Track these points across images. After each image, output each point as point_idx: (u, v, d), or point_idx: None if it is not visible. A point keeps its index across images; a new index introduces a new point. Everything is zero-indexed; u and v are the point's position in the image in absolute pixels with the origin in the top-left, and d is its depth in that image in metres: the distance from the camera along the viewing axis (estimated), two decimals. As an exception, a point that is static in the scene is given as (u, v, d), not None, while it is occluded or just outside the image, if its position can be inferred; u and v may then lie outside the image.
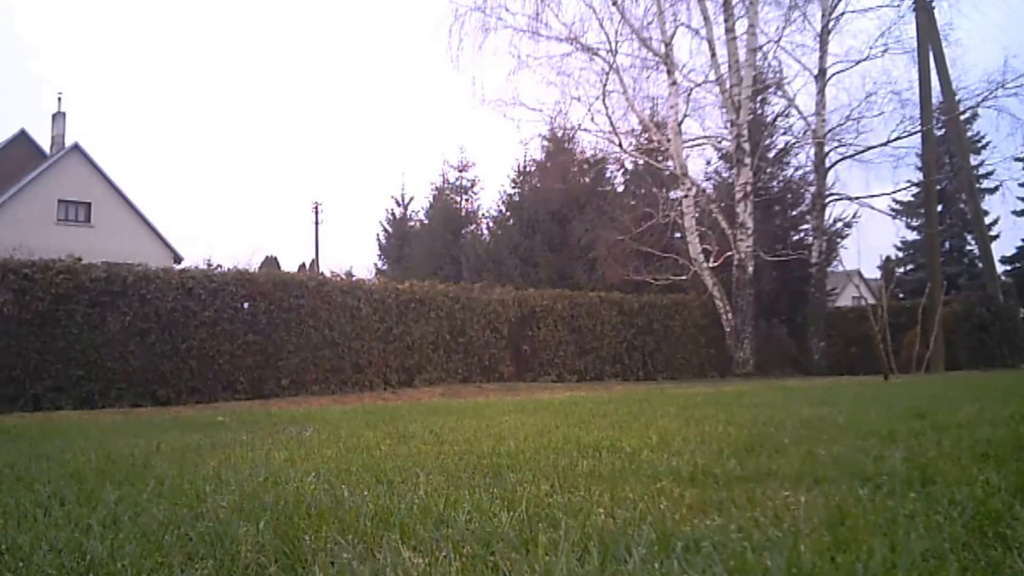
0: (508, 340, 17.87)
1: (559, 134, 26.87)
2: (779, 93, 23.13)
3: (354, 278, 17.07)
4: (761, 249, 20.19)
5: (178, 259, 47.27)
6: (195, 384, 14.45)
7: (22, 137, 47.66)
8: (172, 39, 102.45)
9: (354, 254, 54.69)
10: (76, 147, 45.04)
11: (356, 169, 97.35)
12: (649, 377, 19.29)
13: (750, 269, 19.73)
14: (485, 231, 34.41)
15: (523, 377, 17.93)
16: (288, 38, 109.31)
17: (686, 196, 20.13)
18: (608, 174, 24.39)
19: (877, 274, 39.44)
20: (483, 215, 35.25)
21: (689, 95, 21.56)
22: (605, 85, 20.97)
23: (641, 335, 19.51)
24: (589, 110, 22.59)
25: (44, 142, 47.87)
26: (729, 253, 19.96)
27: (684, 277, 20.58)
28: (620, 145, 21.61)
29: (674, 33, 20.29)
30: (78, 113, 71.07)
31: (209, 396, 14.52)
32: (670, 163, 21.27)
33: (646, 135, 22.00)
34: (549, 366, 18.24)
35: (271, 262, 53.17)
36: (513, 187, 31.08)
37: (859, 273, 45.77)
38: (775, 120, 23.86)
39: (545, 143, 28.30)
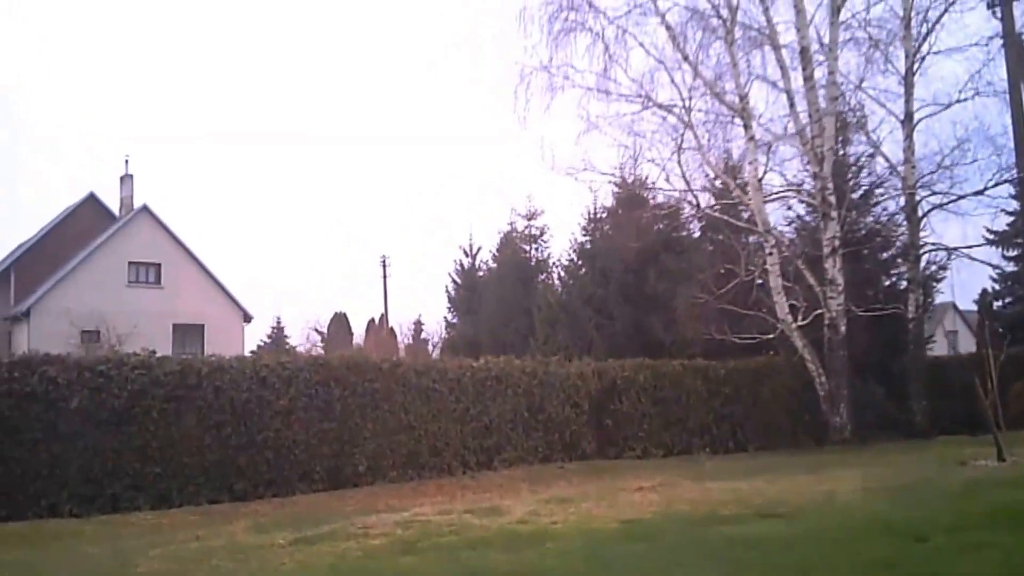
0: (589, 415, 17.26)
1: (630, 180, 26.33)
2: (864, 139, 22.29)
3: (430, 359, 16.56)
4: (851, 300, 19.29)
5: (248, 317, 47.62)
6: (271, 476, 14.09)
7: (91, 200, 48.40)
8: (236, 96, 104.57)
9: (423, 305, 54.62)
10: (145, 208, 45.58)
11: (424, 219, 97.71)
12: (740, 448, 18.47)
13: (842, 328, 18.87)
14: (556, 281, 33.92)
15: (606, 453, 17.29)
16: (354, 91, 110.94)
17: (770, 254, 19.37)
18: (684, 217, 23.64)
19: (972, 305, 37.67)
20: (554, 264, 34.74)
21: (769, 149, 20.93)
22: (680, 143, 20.40)
23: (729, 403, 18.69)
24: (663, 169, 22.10)
25: (113, 204, 48.47)
26: (819, 311, 19.11)
27: (771, 335, 19.76)
28: (697, 205, 20.95)
29: (749, 86, 19.66)
30: (145, 174, 72.23)
31: (286, 488, 14.12)
32: (747, 213, 20.61)
33: (722, 185, 21.33)
34: (633, 440, 17.56)
35: (340, 318, 53.31)
36: (584, 235, 30.53)
37: (954, 306, 43.82)
38: (859, 161, 22.96)
39: (616, 190, 27.75)
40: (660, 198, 24.88)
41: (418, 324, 58.05)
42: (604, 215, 29.20)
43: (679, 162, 21.13)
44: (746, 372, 19.17)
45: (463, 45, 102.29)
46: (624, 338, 25.35)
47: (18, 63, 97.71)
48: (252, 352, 53.19)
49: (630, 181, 26.12)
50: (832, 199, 19.21)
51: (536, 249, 35.92)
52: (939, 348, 28.57)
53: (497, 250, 40.23)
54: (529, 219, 35.30)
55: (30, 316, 41.39)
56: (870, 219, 23.06)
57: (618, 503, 10.59)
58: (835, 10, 19.15)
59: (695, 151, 20.78)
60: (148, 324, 40.91)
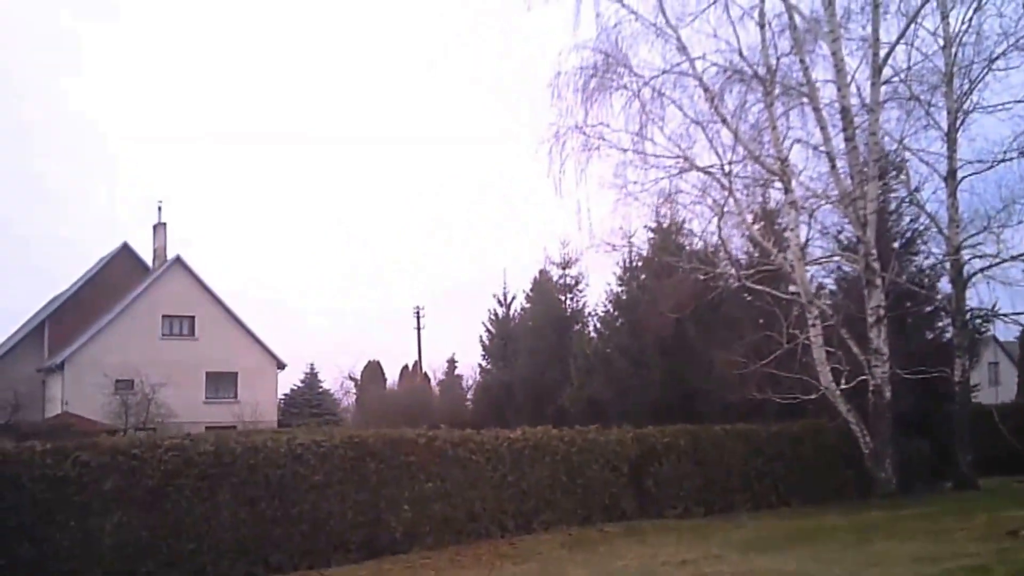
0: (629, 478, 16.95)
1: (665, 224, 26.06)
2: (908, 201, 21.88)
3: (465, 432, 16.24)
4: (895, 360, 18.90)
5: (281, 365, 47.85)
6: (307, 547, 13.87)
7: (124, 251, 49.07)
8: (261, 144, 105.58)
9: (457, 351, 54.92)
10: (178, 260, 46.25)
11: (457, 268, 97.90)
12: (782, 503, 18.07)
13: (887, 394, 18.44)
14: (592, 331, 33.67)
15: (647, 512, 16.92)
16: (381, 142, 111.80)
17: (813, 325, 19.01)
18: (724, 281, 23.21)
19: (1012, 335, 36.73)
20: (589, 314, 34.43)
21: (811, 216, 20.63)
22: (723, 208, 20.13)
23: (771, 462, 18.34)
24: (701, 236, 21.88)
25: (146, 253, 48.98)
26: (863, 377, 18.72)
27: (813, 396, 19.37)
28: (738, 277, 20.62)
29: (790, 149, 19.41)
30: (177, 222, 72.85)
31: (321, 558, 13.90)
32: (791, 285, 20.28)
33: (761, 252, 21.00)
34: (674, 500, 17.21)
35: (374, 366, 53.49)
36: (620, 285, 30.27)
37: (994, 338, 42.98)
38: (899, 208, 22.58)
39: (651, 235, 27.48)
40: (698, 244, 24.66)
41: (452, 363, 57.96)
42: (639, 263, 28.94)
43: (719, 227, 20.89)
44: (789, 435, 18.85)
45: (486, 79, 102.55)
46: (660, 389, 25.05)
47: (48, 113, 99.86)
48: (286, 395, 53.47)
49: (666, 225, 25.99)
50: (876, 265, 18.82)
51: (571, 299, 35.51)
52: (978, 376, 27.80)
53: (530, 298, 40.17)
54: (564, 268, 34.71)
55: (64, 368, 41.83)
56: (912, 270, 22.66)
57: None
58: (877, 70, 18.81)
59: (734, 215, 20.52)
60: (181, 374, 41.39)
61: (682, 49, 19.25)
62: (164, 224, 47.70)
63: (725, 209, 20.37)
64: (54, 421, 36.52)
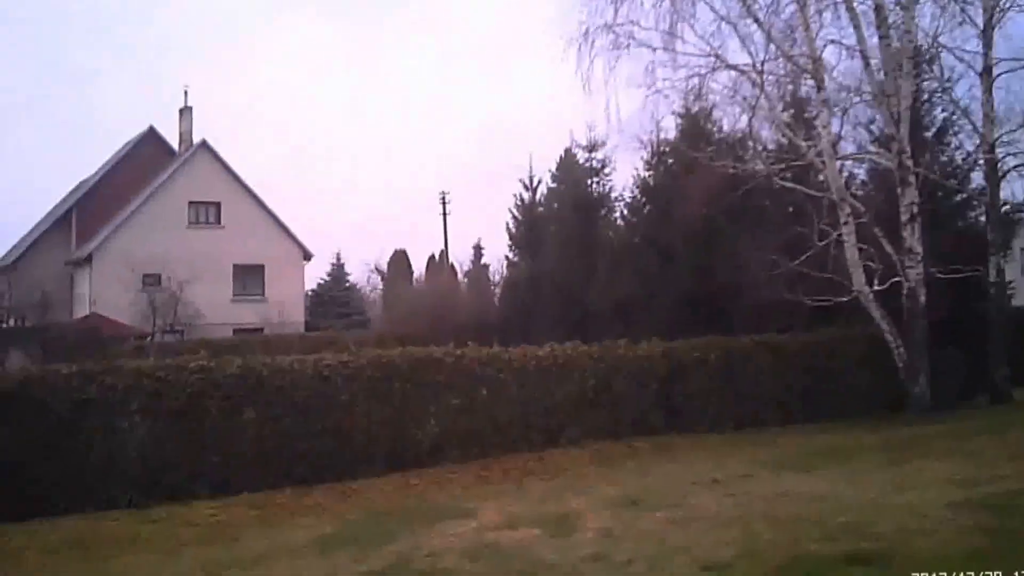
0: (657, 394, 16.76)
1: (694, 110, 25.36)
2: (941, 92, 21.20)
3: (493, 350, 16.04)
4: (928, 263, 18.44)
5: (307, 256, 47.66)
6: (331, 460, 13.89)
7: (150, 135, 48.47)
8: (293, 32, 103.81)
9: (484, 236, 54.52)
10: (204, 144, 45.59)
11: (483, 152, 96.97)
12: (813, 418, 17.76)
13: (922, 298, 18.00)
14: (619, 218, 33.08)
15: (675, 427, 16.75)
16: (411, 28, 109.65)
17: (846, 223, 18.52)
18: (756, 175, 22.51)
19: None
20: (616, 199, 33.55)
21: (844, 114, 19.97)
22: (755, 106, 19.50)
23: (801, 376, 18.01)
24: (731, 130, 21.27)
25: (172, 137, 48.36)
26: (896, 279, 18.31)
27: (845, 299, 18.98)
28: (768, 171, 20.09)
29: (823, 48, 18.70)
30: (203, 107, 72.08)
31: (346, 471, 13.87)
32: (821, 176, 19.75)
33: (791, 148, 20.41)
34: (703, 415, 17.02)
35: (400, 256, 53.10)
36: (647, 170, 29.58)
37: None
38: (931, 97, 21.87)
39: (679, 120, 26.78)
40: (726, 127, 24.12)
41: (478, 249, 57.57)
42: (668, 149, 28.23)
43: (750, 124, 20.35)
44: (820, 345, 18.50)
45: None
46: (689, 283, 24.69)
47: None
48: (313, 291, 53.49)
49: (694, 111, 25.28)
50: (910, 163, 18.25)
51: (598, 183, 34.57)
52: (1012, 271, 27.02)
53: (556, 178, 39.32)
54: (590, 151, 33.52)
55: (92, 261, 41.74)
56: (944, 159, 22.10)
57: (695, 518, 9.90)
58: (912, -35, 17.98)
59: (765, 110, 19.93)
60: (208, 265, 41.23)
61: None
62: (190, 108, 46.90)
63: (756, 106, 19.75)
64: (82, 323, 36.51)
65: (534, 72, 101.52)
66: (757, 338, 18.25)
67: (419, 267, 54.25)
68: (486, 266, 56.18)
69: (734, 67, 19.33)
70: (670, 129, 27.01)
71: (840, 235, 18.77)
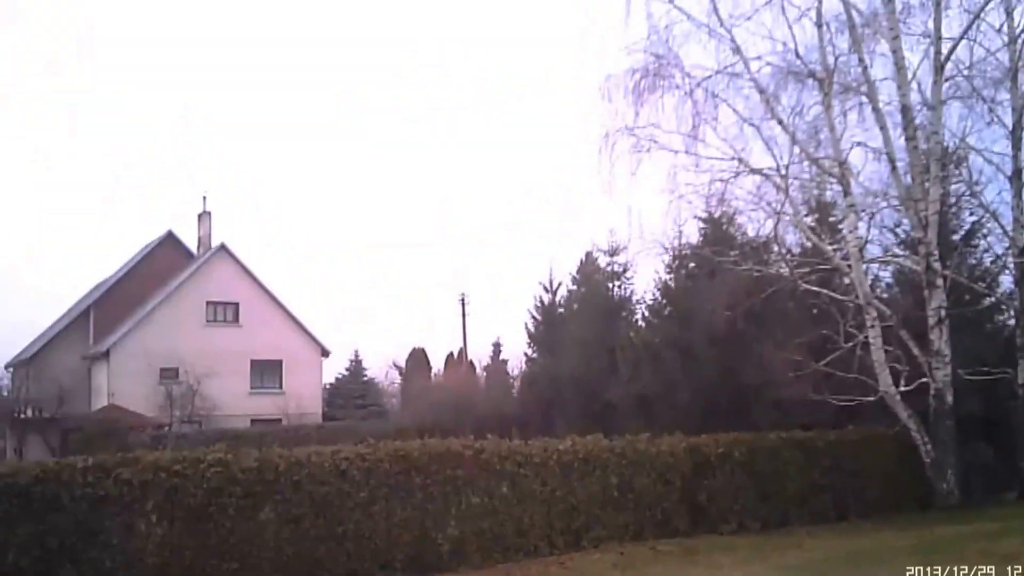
0: (681, 492, 16.37)
1: (717, 215, 25.35)
2: (973, 201, 21.04)
3: (513, 443, 15.82)
4: (956, 364, 18.16)
5: (325, 352, 47.82)
6: (352, 565, 13.59)
7: (169, 239, 49.31)
8: (308, 134, 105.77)
9: (502, 333, 54.84)
10: (222, 247, 46.29)
11: (502, 254, 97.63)
12: (840, 517, 17.31)
13: (949, 399, 17.69)
14: (640, 319, 33.07)
15: (700, 527, 16.36)
16: (431, 131, 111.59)
17: (872, 327, 18.32)
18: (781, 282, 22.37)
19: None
20: (637, 302, 33.68)
21: (871, 219, 19.93)
22: (779, 211, 19.48)
23: (829, 473, 17.55)
24: (755, 235, 21.26)
25: (190, 242, 49.14)
26: (923, 380, 18.04)
27: (871, 398, 18.70)
28: (792, 276, 19.93)
29: (848, 152, 18.70)
30: (222, 213, 73.34)
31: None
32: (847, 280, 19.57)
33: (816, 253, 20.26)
34: (729, 514, 16.58)
35: (418, 353, 53.29)
36: (668, 273, 29.63)
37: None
38: (959, 201, 21.72)
39: (702, 225, 26.81)
40: (750, 231, 23.98)
41: (496, 347, 57.68)
42: (689, 252, 28.24)
43: (775, 230, 20.28)
44: (847, 443, 18.10)
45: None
46: (711, 383, 24.46)
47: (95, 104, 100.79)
48: (331, 384, 53.44)
49: (717, 215, 25.28)
50: (937, 266, 18.05)
51: (619, 286, 34.83)
52: None
53: (576, 280, 39.67)
54: (611, 255, 33.90)
55: (110, 356, 41.96)
56: (971, 262, 21.89)
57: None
58: (939, 67, 17.92)
59: (790, 215, 19.88)
60: (226, 361, 41.41)
61: (736, 49, 18.59)
62: (209, 213, 47.90)
63: (780, 212, 19.69)
64: (100, 414, 36.68)
65: (556, 170, 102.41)
66: (783, 435, 17.89)
67: (437, 363, 54.46)
68: (504, 361, 56.38)
69: (758, 171, 19.26)
70: (692, 233, 26.86)
71: (866, 336, 18.52)
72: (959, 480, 17.85)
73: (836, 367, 18.94)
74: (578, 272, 39.34)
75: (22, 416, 38.67)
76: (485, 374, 53.47)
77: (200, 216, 48.13)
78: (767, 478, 17.05)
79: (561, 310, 40.67)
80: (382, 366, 57.41)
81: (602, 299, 34.53)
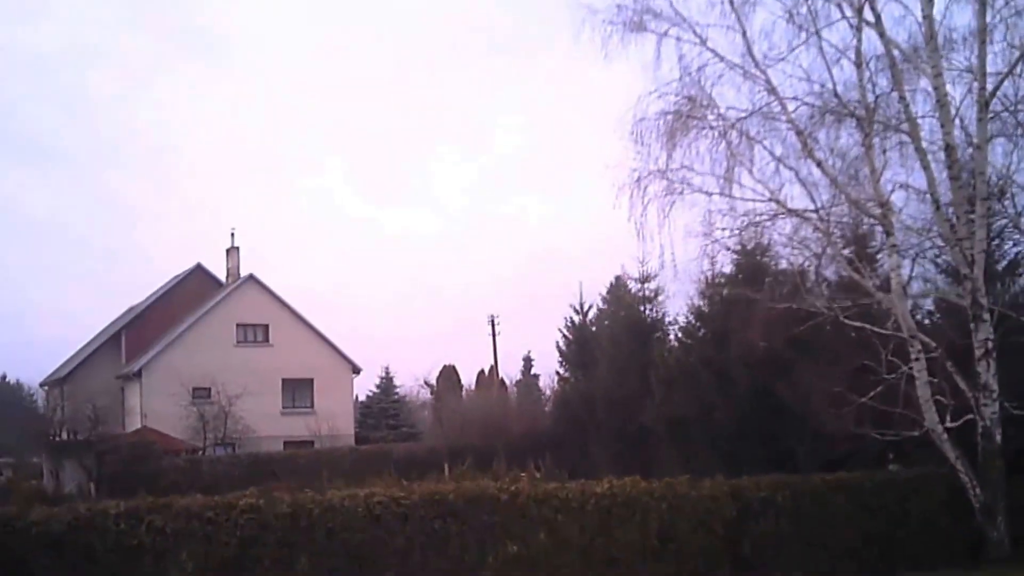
0: (724, 540, 15.83)
1: (750, 246, 24.92)
2: (1013, 226, 20.44)
3: (549, 486, 15.44)
4: (1004, 395, 17.50)
5: (356, 369, 47.97)
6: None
7: (198, 270, 49.99)
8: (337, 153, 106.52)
9: (532, 348, 55.00)
10: (251, 277, 46.85)
11: (533, 275, 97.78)
12: (888, 567, 16.58)
13: (998, 437, 17.04)
14: (673, 339, 32.71)
15: (744, 577, 15.91)
16: (459, 152, 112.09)
17: (916, 359, 17.79)
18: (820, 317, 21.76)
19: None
20: (670, 323, 33.36)
21: (915, 259, 19.44)
22: (822, 254, 19.03)
23: (875, 518, 16.82)
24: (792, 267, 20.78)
25: (219, 273, 49.77)
26: (969, 416, 17.49)
27: (915, 433, 18.11)
28: (831, 310, 19.32)
29: (890, 193, 18.19)
30: (250, 248, 74.54)
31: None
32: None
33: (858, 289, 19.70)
34: (773, 564, 15.97)
35: (449, 371, 53.31)
36: (702, 298, 29.23)
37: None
38: (1002, 233, 21.13)
39: (735, 256, 26.35)
40: (784, 263, 23.43)
41: (528, 361, 57.60)
42: (722, 280, 27.82)
43: (816, 273, 19.79)
44: (894, 485, 17.48)
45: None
46: (748, 405, 24.03)
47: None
48: (362, 402, 53.40)
49: (750, 247, 24.86)
50: (983, 300, 17.46)
51: (651, 309, 34.55)
52: None
53: (607, 300, 39.46)
54: (643, 282, 33.65)
55: (142, 376, 42.14)
56: (1015, 290, 21.33)
57: None
58: (984, 104, 17.40)
59: (830, 256, 19.42)
60: (257, 380, 41.50)
61: (771, 90, 18.06)
62: (237, 248, 48.62)
63: (821, 255, 19.25)
64: (134, 437, 36.59)
65: (586, 198, 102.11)
66: (828, 477, 17.33)
67: (468, 379, 54.48)
68: (536, 376, 56.29)
69: (796, 213, 18.65)
70: (725, 261, 26.36)
71: (910, 368, 17.98)
72: (1009, 527, 17.16)
73: (878, 400, 18.35)
74: (608, 292, 39.25)
75: (57, 438, 38.78)
76: (516, 391, 53.46)
77: (228, 250, 48.74)
78: (813, 525, 16.39)
79: (592, 328, 40.55)
80: (413, 383, 57.43)
81: (634, 321, 34.21)
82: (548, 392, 53.11)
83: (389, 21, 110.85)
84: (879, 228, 18.98)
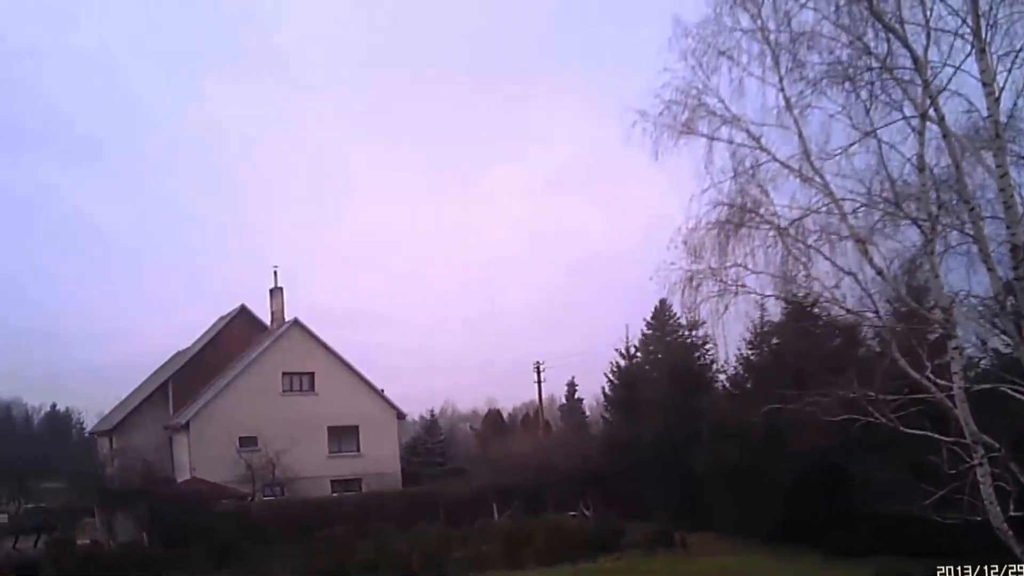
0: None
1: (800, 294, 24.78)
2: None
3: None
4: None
5: (401, 415, 48.04)
6: None
7: (243, 313, 50.36)
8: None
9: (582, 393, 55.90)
10: (296, 322, 47.23)
11: (577, 320, 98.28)
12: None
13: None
14: (721, 385, 32.79)
15: None
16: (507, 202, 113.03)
17: (980, 464, 16.91)
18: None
19: None
20: (718, 370, 33.49)
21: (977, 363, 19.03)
22: (884, 366, 18.74)
23: None
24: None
25: (263, 314, 50.13)
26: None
27: (978, 518, 17.42)
28: (888, 419, 18.88)
29: (958, 304, 17.86)
30: (292, 280, 76.03)
31: None
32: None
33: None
34: None
35: (494, 415, 53.46)
36: (750, 348, 29.24)
37: None
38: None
39: (784, 305, 26.21)
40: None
41: (572, 387, 57.60)
42: (770, 328, 27.79)
43: (877, 378, 19.60)
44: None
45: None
46: (802, 463, 23.85)
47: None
48: (405, 444, 53.49)
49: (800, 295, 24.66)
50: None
51: (698, 357, 34.68)
52: None
53: (652, 346, 39.66)
54: (691, 330, 33.75)
55: (189, 427, 42.39)
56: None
57: None
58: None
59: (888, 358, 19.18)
60: (303, 428, 41.80)
61: (828, 193, 17.94)
62: (280, 288, 48.46)
63: (884, 366, 18.97)
64: (184, 487, 36.91)
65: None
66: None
67: (510, 406, 55.04)
68: (580, 401, 56.38)
69: (856, 315, 18.38)
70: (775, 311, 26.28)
71: (972, 466, 17.51)
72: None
73: (936, 482, 17.94)
74: (653, 317, 39.47)
75: (109, 490, 38.78)
76: (560, 416, 53.53)
77: (272, 291, 48.70)
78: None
79: (637, 356, 40.84)
80: (459, 426, 57.73)
81: (681, 367, 34.31)
82: (590, 413, 53.48)
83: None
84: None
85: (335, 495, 41.07)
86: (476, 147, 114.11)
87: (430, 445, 55.33)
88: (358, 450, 44.93)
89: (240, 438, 40.98)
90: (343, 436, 45.28)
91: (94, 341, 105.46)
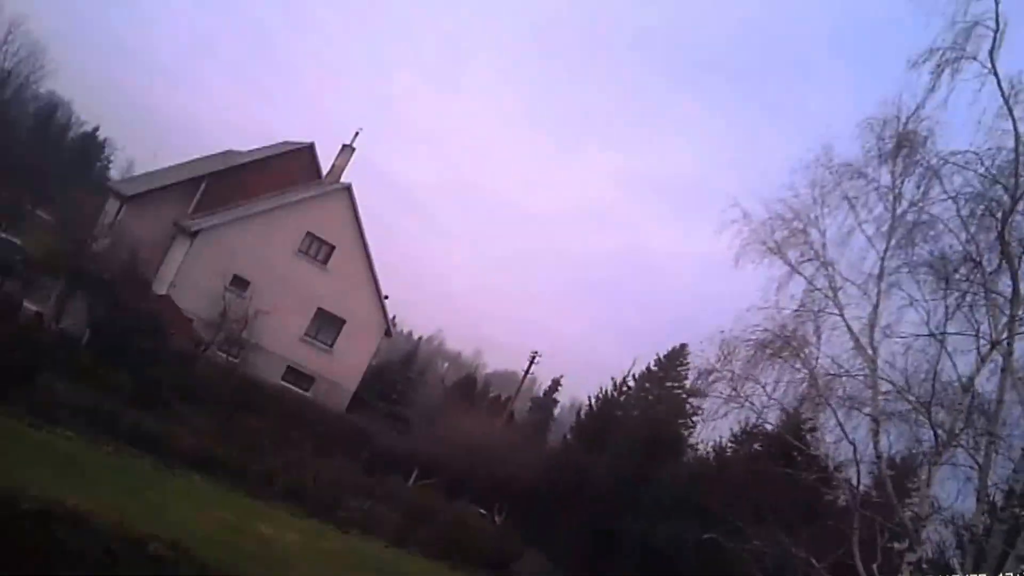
0: None
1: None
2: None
3: None
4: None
5: (388, 332, 46.90)
6: None
7: (308, 150, 48.04)
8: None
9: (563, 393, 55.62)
10: (347, 188, 45.00)
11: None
12: None
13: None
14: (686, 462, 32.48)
15: None
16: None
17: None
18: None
19: None
20: (691, 443, 33.11)
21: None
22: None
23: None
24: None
25: (325, 163, 48.06)
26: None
27: None
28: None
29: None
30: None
31: None
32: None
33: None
34: None
35: (468, 381, 52.77)
36: (732, 442, 28.71)
37: None
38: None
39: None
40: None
41: (555, 383, 57.13)
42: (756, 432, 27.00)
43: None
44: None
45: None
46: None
47: None
48: (374, 366, 52.04)
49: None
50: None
51: (683, 422, 33.98)
52: None
53: (647, 392, 38.64)
54: (689, 395, 33.32)
55: (195, 237, 41.02)
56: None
57: None
58: None
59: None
60: (296, 297, 40.79)
61: (872, 368, 17.12)
62: (353, 148, 45.82)
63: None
64: (153, 304, 35.53)
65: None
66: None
67: (489, 370, 54.52)
68: (555, 401, 55.54)
69: (838, 478, 18.06)
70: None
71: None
72: None
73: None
74: (665, 358, 38.61)
75: (85, 264, 36.77)
76: (527, 414, 52.63)
77: (343, 147, 46.25)
78: None
79: (627, 391, 39.86)
80: (440, 356, 57.02)
81: (658, 427, 33.50)
82: (559, 413, 52.74)
83: None
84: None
85: (280, 385, 40.49)
86: (604, 126, 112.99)
87: (396, 379, 54.32)
88: (331, 346, 44.01)
89: (234, 275, 40.04)
90: (325, 325, 44.18)
91: (168, 78, 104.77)
